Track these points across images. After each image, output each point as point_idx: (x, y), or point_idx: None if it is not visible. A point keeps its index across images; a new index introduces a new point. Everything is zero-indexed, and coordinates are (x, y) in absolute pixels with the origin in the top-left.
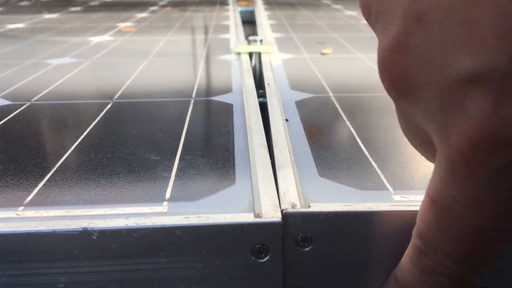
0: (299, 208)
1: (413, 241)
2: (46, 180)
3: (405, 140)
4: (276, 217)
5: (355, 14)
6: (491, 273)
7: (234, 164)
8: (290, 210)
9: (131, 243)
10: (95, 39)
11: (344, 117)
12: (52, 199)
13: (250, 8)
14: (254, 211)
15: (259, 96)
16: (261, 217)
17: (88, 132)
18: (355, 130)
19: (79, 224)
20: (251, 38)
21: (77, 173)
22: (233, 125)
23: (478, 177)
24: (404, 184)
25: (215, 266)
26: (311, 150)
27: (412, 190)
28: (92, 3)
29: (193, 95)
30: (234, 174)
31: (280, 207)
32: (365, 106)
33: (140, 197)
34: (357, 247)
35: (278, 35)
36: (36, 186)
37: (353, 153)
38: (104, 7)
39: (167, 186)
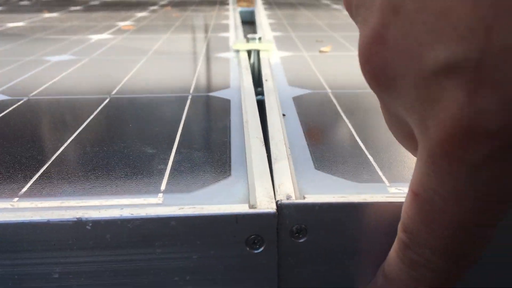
0: (294, 200)
1: (399, 235)
2: (41, 172)
3: None
4: (271, 208)
5: None
6: (486, 273)
7: (230, 158)
8: (285, 201)
9: (125, 234)
10: (95, 37)
11: (341, 112)
12: (47, 191)
13: (250, 9)
14: (249, 203)
15: (257, 94)
16: (255, 208)
17: (84, 127)
18: (352, 125)
19: (74, 215)
20: (249, 36)
21: (72, 165)
22: (230, 120)
23: (457, 170)
24: (400, 176)
25: (210, 257)
26: (308, 144)
27: (407, 182)
28: (92, 3)
29: (191, 91)
30: (229, 167)
31: (275, 199)
32: (362, 102)
33: (135, 189)
34: (352, 238)
35: (277, 33)
36: (31, 178)
37: (349, 147)
38: (104, 6)
39: (163, 178)
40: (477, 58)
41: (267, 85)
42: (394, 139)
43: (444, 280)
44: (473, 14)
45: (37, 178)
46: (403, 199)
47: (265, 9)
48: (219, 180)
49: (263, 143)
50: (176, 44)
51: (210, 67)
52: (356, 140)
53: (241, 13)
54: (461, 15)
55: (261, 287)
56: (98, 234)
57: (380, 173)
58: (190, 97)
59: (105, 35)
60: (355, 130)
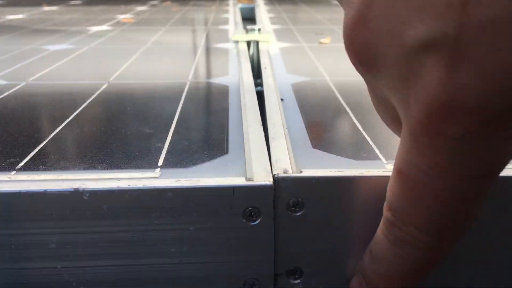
0: (291, 173)
1: (384, 214)
2: (39, 149)
3: None
4: (268, 180)
5: None
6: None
7: (227, 137)
8: (281, 175)
9: (122, 204)
10: (94, 29)
11: (339, 97)
12: (45, 166)
13: (250, 5)
14: (245, 176)
15: (256, 85)
16: (252, 181)
17: (82, 109)
18: (350, 108)
19: (71, 185)
20: (249, 27)
21: (70, 143)
22: (228, 104)
23: (439, 146)
24: None
25: (207, 228)
26: (305, 125)
27: None
28: None
29: (189, 78)
30: (227, 145)
31: (272, 173)
32: (360, 88)
33: (133, 164)
34: (349, 212)
35: (276, 26)
36: (29, 154)
37: (346, 127)
38: (104, 0)
39: (160, 155)
40: (455, 34)
41: (266, 72)
42: None
43: (429, 257)
44: None
45: (34, 154)
46: None
47: (265, 4)
48: (216, 157)
49: (261, 125)
50: (175, 35)
51: (209, 56)
52: (354, 122)
53: (242, 9)
54: None
55: (258, 259)
56: (95, 204)
57: (377, 152)
58: (188, 83)
59: (104, 27)
60: (353, 113)
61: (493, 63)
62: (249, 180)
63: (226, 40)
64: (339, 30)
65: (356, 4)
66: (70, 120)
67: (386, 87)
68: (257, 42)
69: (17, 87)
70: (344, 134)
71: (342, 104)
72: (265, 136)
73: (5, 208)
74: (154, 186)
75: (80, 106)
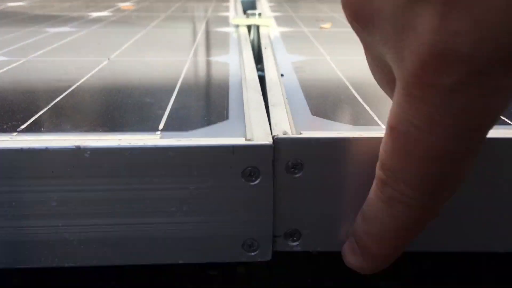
0: (290, 135)
1: (377, 173)
2: (40, 114)
3: None
4: (267, 140)
5: None
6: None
7: (228, 105)
8: (281, 136)
9: (123, 162)
10: (94, 14)
11: (339, 72)
12: (46, 128)
13: None
14: (245, 137)
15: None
16: (252, 140)
17: (83, 81)
18: (349, 82)
19: (72, 143)
20: (249, 11)
21: (71, 110)
22: (228, 78)
23: (431, 97)
24: None
25: (207, 188)
26: (305, 97)
27: None
28: None
29: (190, 56)
30: (227, 112)
31: (272, 134)
32: (361, 65)
33: (133, 127)
34: (348, 174)
35: (277, 14)
36: (31, 118)
37: (346, 98)
38: None
39: (161, 120)
40: None
41: (266, 52)
42: None
43: (420, 216)
44: None
45: (36, 118)
46: None
47: None
48: (216, 123)
49: (261, 95)
50: (175, 21)
51: (209, 39)
52: (353, 94)
53: (243, 3)
54: None
55: (257, 220)
56: (96, 162)
57: (376, 119)
58: (188, 61)
59: (104, 13)
60: (353, 87)
61: (484, 10)
62: (248, 140)
63: (227, 25)
64: (340, 17)
65: None
66: (71, 91)
67: (381, 43)
68: (257, 27)
69: (18, 63)
70: (343, 104)
71: (341, 78)
72: (265, 106)
73: (7, 165)
74: (155, 145)
75: (81, 79)
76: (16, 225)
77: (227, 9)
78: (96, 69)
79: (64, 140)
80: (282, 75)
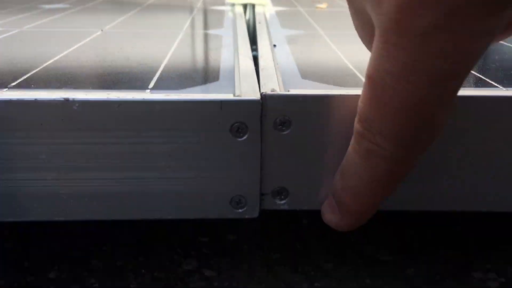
0: (278, 91)
1: (355, 126)
2: (31, 74)
3: None
4: (255, 96)
5: None
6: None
7: (219, 68)
8: (269, 92)
9: (112, 116)
10: None
11: (331, 44)
12: (36, 85)
13: None
14: (234, 93)
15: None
16: (240, 96)
17: (76, 47)
18: (340, 51)
19: (61, 95)
20: None
21: (61, 71)
22: (221, 47)
23: (407, 44)
24: None
25: (195, 143)
26: (296, 63)
27: None
28: None
29: (184, 29)
30: (218, 74)
31: (260, 91)
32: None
33: (124, 85)
34: (336, 131)
35: None
36: (21, 77)
37: (337, 64)
38: None
39: (151, 80)
40: None
41: (260, 26)
42: None
43: (396, 168)
44: None
45: (26, 78)
46: None
47: None
48: (207, 83)
49: (252, 61)
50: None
51: (204, 15)
52: (344, 61)
53: None
54: None
55: (244, 176)
56: (85, 115)
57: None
58: (182, 32)
59: None
60: (344, 55)
61: None
62: (237, 96)
63: (222, 3)
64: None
65: None
66: (63, 55)
67: None
68: (253, 6)
69: (11, 32)
70: (334, 69)
71: (334, 49)
72: (256, 73)
73: None
74: (144, 98)
75: (74, 45)
76: (5, 178)
77: None
78: (88, 39)
79: (54, 92)
80: (274, 45)
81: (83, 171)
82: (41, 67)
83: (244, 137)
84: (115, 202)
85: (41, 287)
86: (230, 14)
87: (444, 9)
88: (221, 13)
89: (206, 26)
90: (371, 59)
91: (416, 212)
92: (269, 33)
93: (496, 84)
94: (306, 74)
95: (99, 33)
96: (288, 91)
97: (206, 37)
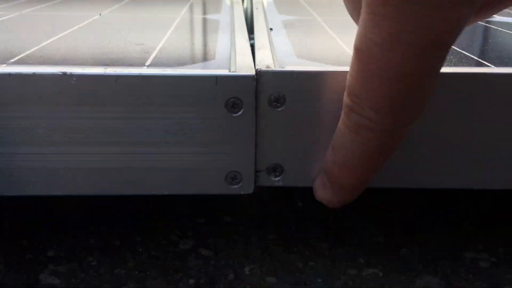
0: (273, 68)
1: (344, 101)
2: (29, 52)
3: None
4: (250, 72)
5: None
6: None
7: (216, 48)
8: (264, 69)
9: (109, 90)
10: None
11: (328, 29)
12: (35, 62)
13: None
14: (229, 69)
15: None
16: (235, 72)
17: (74, 29)
18: (336, 34)
19: (59, 69)
20: None
21: (60, 51)
22: (218, 30)
23: (392, 11)
24: None
25: (191, 119)
26: (292, 45)
27: None
28: None
29: (181, 14)
30: (215, 53)
31: (255, 68)
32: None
33: (121, 62)
34: (330, 108)
35: None
36: (20, 54)
37: (332, 46)
38: None
39: (149, 58)
40: None
41: (257, 12)
42: None
43: (385, 140)
44: None
45: (24, 55)
46: None
47: None
48: (203, 62)
49: (249, 42)
50: None
51: (202, 2)
52: (339, 43)
53: None
54: None
55: (240, 152)
56: (82, 89)
57: None
58: (179, 17)
59: None
60: (339, 38)
61: None
62: (232, 72)
63: None
64: None
65: None
66: (61, 36)
67: None
68: None
69: (10, 16)
70: (329, 50)
71: (329, 32)
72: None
73: None
74: (140, 73)
75: (71, 28)
76: (3, 152)
77: None
78: (87, 22)
79: (52, 66)
80: (271, 29)
81: (81, 146)
82: (39, 46)
83: (239, 113)
84: (112, 177)
85: (40, 265)
86: (227, 1)
87: None
88: (219, 0)
89: (203, 11)
90: (358, 31)
91: (411, 195)
92: (266, 18)
93: (488, 64)
94: (302, 54)
95: (97, 17)
96: (283, 67)
97: (203, 21)
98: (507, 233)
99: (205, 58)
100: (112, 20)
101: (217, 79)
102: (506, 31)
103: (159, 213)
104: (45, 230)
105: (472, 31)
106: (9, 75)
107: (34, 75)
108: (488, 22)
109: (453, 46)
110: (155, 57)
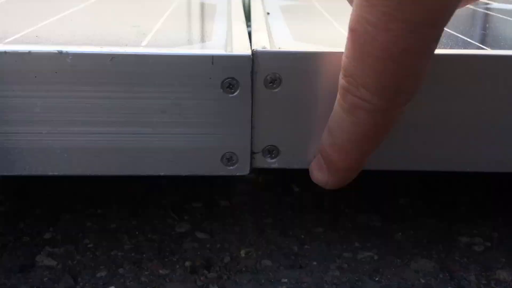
0: (269, 49)
1: (339, 82)
2: (27, 32)
3: None
4: (247, 52)
5: None
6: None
7: (212, 30)
8: (260, 49)
9: (105, 69)
10: None
11: (325, 13)
12: (32, 41)
13: None
14: (225, 49)
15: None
16: (231, 52)
17: (69, 12)
18: (333, 18)
19: (55, 48)
20: None
21: (58, 31)
22: (215, 13)
23: None
24: None
25: (187, 99)
26: (289, 28)
27: None
28: None
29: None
30: (211, 35)
31: (251, 48)
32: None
33: (116, 42)
34: (326, 89)
35: None
36: (17, 34)
37: (329, 30)
38: None
39: (145, 39)
40: None
41: None
42: None
43: (380, 121)
44: None
45: (20, 36)
46: None
47: None
48: (199, 42)
49: (245, 25)
50: None
51: None
52: (335, 25)
53: None
54: None
55: (235, 132)
56: (78, 68)
57: None
58: (176, 1)
59: None
60: (336, 22)
61: None
62: (228, 52)
63: None
64: None
65: None
66: (57, 18)
67: None
68: None
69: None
70: (326, 33)
71: (327, 17)
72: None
73: None
74: (136, 52)
75: (68, 10)
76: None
77: None
78: (83, 5)
79: (48, 45)
80: (268, 13)
81: (77, 125)
82: (35, 27)
83: (235, 93)
84: (108, 158)
85: (37, 247)
86: None
87: None
88: None
89: None
90: (352, 11)
91: (407, 180)
92: (263, 2)
93: (483, 46)
94: (298, 37)
95: (94, 1)
96: (279, 48)
97: (200, 5)
98: (501, 218)
99: (201, 39)
100: (108, 3)
101: (213, 58)
102: (504, 17)
103: (154, 198)
104: (42, 213)
105: (471, 17)
106: (5, 53)
107: (30, 54)
108: (487, 9)
109: (452, 31)
110: (152, 38)
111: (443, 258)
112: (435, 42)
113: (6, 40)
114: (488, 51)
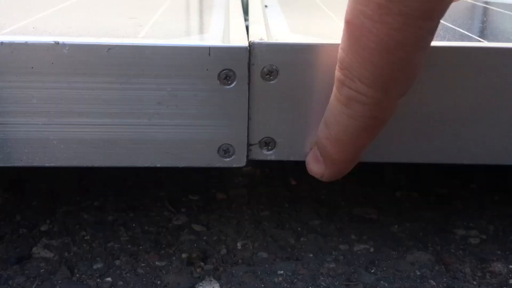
0: (266, 40)
1: (335, 75)
2: (25, 23)
3: None
4: (244, 43)
5: None
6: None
7: (209, 22)
8: (257, 41)
9: (101, 60)
10: None
11: (323, 6)
12: (30, 33)
13: None
14: (223, 40)
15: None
16: (228, 43)
17: (66, 5)
18: (331, 12)
19: (51, 39)
20: None
21: (51, 23)
22: (213, 6)
23: None
24: None
25: (184, 90)
26: (286, 21)
27: None
28: None
29: None
30: (209, 27)
31: (248, 40)
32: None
33: (114, 34)
34: (323, 81)
35: None
36: (12, 26)
37: (327, 23)
38: None
39: (142, 30)
40: None
41: None
42: None
43: (376, 113)
44: None
45: (17, 27)
46: None
47: None
48: (197, 34)
49: (243, 18)
50: None
51: None
52: (334, 19)
53: None
54: None
55: (232, 124)
56: (75, 59)
57: None
58: None
59: None
60: (334, 15)
61: None
62: (225, 43)
63: None
64: None
65: None
66: (54, 10)
67: None
68: None
69: None
70: (324, 27)
71: (325, 10)
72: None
73: None
74: (133, 43)
75: (65, 2)
76: None
77: None
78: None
79: (44, 36)
80: (266, 6)
81: (73, 117)
82: (32, 19)
83: (232, 85)
84: (105, 149)
85: (33, 238)
86: None
87: None
88: None
89: None
90: (348, 4)
91: (403, 172)
92: None
93: (480, 39)
94: (296, 29)
95: None
96: (276, 40)
97: None
98: (496, 211)
99: (198, 31)
100: None
101: (210, 50)
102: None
103: (151, 191)
104: (38, 205)
105: (470, 11)
106: (1, 44)
107: (26, 44)
108: (487, 3)
109: (449, 24)
110: (149, 29)
111: (439, 250)
112: (431, 35)
113: (3, 31)
114: (485, 44)
